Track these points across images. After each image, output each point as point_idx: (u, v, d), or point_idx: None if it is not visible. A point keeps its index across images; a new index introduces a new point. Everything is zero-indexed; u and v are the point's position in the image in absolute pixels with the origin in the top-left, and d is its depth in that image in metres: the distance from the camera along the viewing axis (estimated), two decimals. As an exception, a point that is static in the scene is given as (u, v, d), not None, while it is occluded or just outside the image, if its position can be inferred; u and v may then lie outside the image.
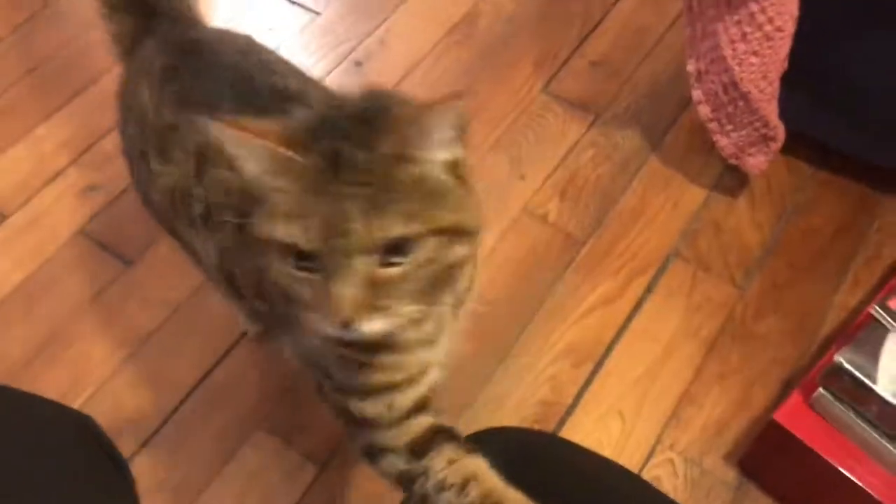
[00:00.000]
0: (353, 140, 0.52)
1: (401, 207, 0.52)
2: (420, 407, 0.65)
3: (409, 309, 0.55)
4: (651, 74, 1.34)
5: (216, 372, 1.03)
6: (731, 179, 1.20)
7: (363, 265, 0.52)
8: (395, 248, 0.52)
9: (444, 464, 0.62)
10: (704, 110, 1.08)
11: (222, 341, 1.05)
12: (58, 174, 1.23)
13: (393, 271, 0.53)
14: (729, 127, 1.07)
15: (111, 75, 1.34)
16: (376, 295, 0.53)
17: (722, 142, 1.10)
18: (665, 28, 1.39)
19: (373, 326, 0.53)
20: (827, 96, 1.07)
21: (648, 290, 1.10)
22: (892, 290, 0.84)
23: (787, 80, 1.02)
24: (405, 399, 0.65)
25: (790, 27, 0.92)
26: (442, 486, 0.62)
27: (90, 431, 0.59)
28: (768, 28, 0.92)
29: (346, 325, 0.52)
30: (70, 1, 1.46)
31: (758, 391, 1.01)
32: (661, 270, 1.12)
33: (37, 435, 0.55)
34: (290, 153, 0.52)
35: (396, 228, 0.51)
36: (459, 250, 0.56)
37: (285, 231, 0.52)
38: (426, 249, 0.53)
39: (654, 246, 1.14)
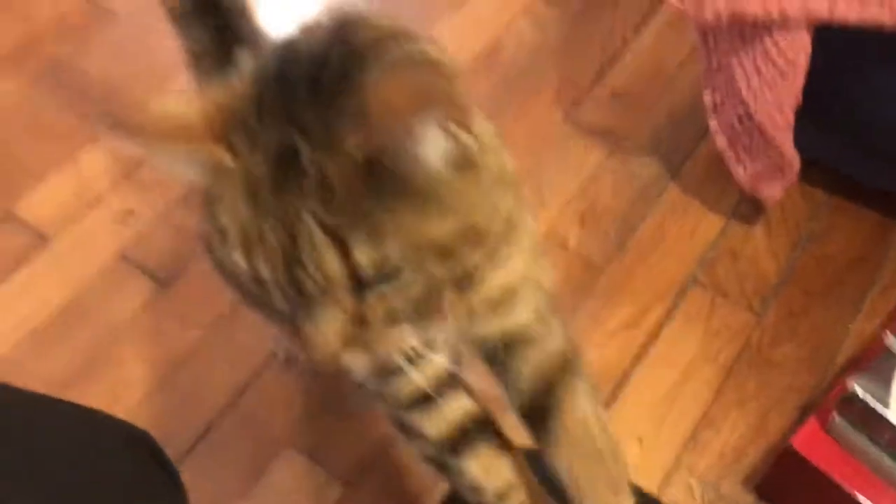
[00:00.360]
0: (306, 130, 0.40)
1: (374, 226, 0.40)
2: (425, 395, 0.57)
3: (403, 334, 0.46)
4: (670, 105, 1.37)
5: (248, 392, 1.07)
6: (748, 208, 1.22)
7: (333, 301, 0.42)
8: (383, 271, 0.42)
9: (480, 470, 0.58)
10: (721, 140, 1.11)
11: (254, 361, 1.09)
12: (98, 199, 1.29)
13: (374, 301, 0.43)
14: (745, 157, 1.10)
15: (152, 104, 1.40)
16: (358, 327, 0.44)
17: (738, 171, 1.13)
18: (684, 60, 1.43)
19: (357, 362, 0.46)
20: (838, 125, 1.10)
21: (667, 315, 1.13)
22: (904, 319, 0.86)
23: (800, 108, 1.05)
24: (398, 386, 0.57)
25: (803, 62, 0.95)
26: (477, 490, 0.58)
27: (146, 444, 0.62)
28: (781, 63, 0.95)
29: (329, 364, 0.44)
30: (113, 33, 1.52)
31: (775, 417, 1.03)
32: (680, 297, 1.15)
33: (93, 444, 0.57)
34: (216, 154, 0.41)
35: (370, 254, 0.40)
36: (470, 257, 0.45)
37: (236, 258, 0.42)
38: (417, 269, 0.42)
39: (672, 273, 1.17)
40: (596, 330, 1.11)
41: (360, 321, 0.43)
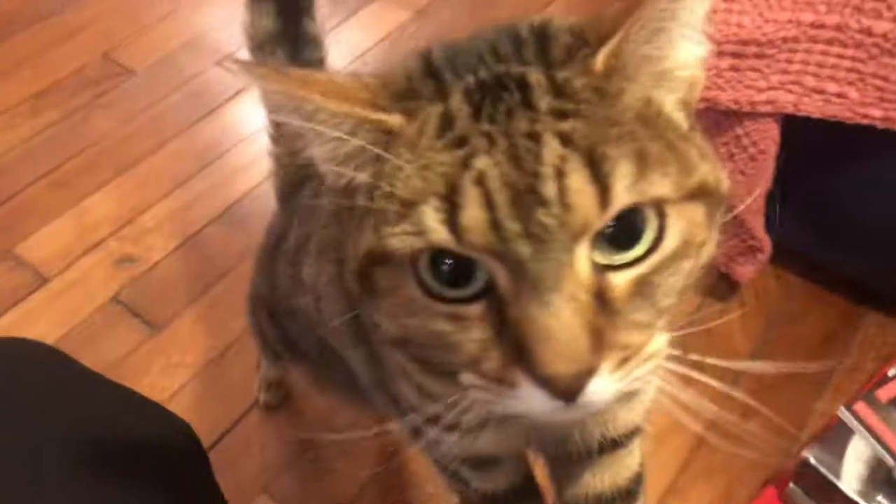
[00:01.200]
0: (521, 59, 0.35)
1: (638, 147, 0.32)
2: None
3: (659, 340, 0.36)
4: (654, 185, 1.44)
5: (228, 436, 1.09)
6: (724, 287, 1.27)
7: (584, 262, 0.32)
8: (620, 235, 0.33)
9: None
10: (697, 221, 1.16)
11: (237, 408, 1.12)
12: (98, 244, 1.34)
13: (629, 276, 0.33)
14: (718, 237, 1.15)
15: (155, 157, 1.47)
16: (607, 323, 0.33)
17: (713, 250, 1.18)
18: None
19: (610, 389, 0.34)
20: (810, 214, 1.16)
21: (640, 385, 1.16)
22: (860, 395, 0.90)
23: (775, 198, 1.11)
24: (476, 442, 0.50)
25: (772, 150, 1.02)
26: None
27: (192, 437, 0.66)
28: (752, 150, 1.02)
29: (575, 387, 0.32)
30: (128, 89, 1.60)
31: (740, 489, 1.05)
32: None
33: (155, 431, 0.62)
34: (386, 121, 0.34)
35: (631, 187, 0.31)
36: (713, 240, 0.37)
37: (412, 226, 0.32)
38: (679, 226, 0.34)
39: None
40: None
41: (602, 302, 0.33)
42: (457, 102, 0.33)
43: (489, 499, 0.56)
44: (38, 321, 1.23)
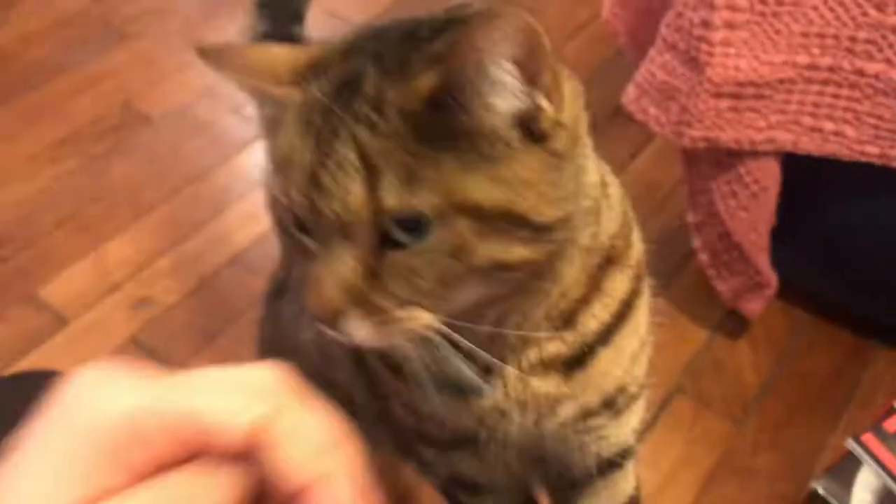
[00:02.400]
0: (381, 60, 0.39)
1: (412, 168, 0.37)
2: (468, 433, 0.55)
3: (422, 316, 0.40)
4: (661, 224, 1.46)
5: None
6: (734, 322, 1.28)
7: (351, 240, 0.39)
8: (411, 225, 0.38)
9: None
10: (703, 257, 1.18)
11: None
12: (116, 287, 1.37)
13: (395, 256, 0.39)
14: (725, 273, 1.17)
15: (172, 202, 1.51)
16: (375, 288, 0.39)
17: (720, 287, 1.20)
18: (674, 183, 1.52)
19: (360, 332, 0.40)
20: (815, 251, 1.18)
21: (652, 421, 1.17)
22: (870, 427, 0.90)
23: (781, 234, 1.13)
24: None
25: (774, 187, 1.04)
26: None
27: None
28: (755, 188, 1.04)
29: (327, 319, 0.40)
30: (146, 136, 1.65)
31: (753, 524, 1.05)
32: (665, 404, 1.19)
33: None
34: (288, 93, 0.41)
35: (398, 195, 0.37)
36: (516, 250, 0.39)
37: (273, 183, 0.42)
38: (449, 233, 0.38)
39: (659, 381, 1.20)
40: (582, 432, 1.15)
41: (373, 278, 0.39)
42: (320, 94, 0.39)
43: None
44: (58, 362, 1.25)
